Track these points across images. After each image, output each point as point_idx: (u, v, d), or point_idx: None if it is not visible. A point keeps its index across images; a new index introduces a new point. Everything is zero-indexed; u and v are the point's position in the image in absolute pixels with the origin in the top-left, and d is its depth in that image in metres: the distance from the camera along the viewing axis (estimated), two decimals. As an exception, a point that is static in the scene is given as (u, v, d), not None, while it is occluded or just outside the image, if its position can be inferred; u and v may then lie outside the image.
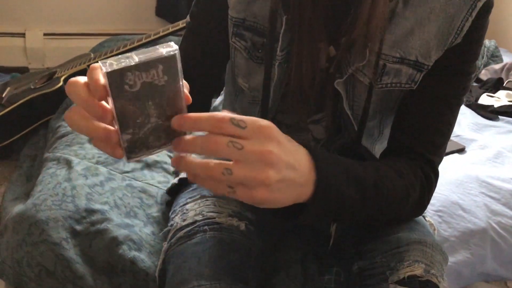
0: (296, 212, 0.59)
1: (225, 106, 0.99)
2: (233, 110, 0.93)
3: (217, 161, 0.49)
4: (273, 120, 0.85)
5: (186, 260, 0.76)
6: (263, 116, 0.81)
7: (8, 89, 1.81)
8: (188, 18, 0.86)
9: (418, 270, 0.71)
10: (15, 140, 1.70)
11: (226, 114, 0.49)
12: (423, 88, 0.76)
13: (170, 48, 0.49)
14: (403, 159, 0.76)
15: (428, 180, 0.76)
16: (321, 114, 0.83)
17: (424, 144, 0.78)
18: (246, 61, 0.81)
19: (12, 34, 2.44)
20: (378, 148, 0.89)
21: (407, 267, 0.72)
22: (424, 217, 0.89)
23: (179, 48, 0.89)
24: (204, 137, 0.50)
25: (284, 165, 0.51)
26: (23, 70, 2.32)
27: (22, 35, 2.45)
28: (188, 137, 0.52)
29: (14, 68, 2.33)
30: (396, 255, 0.73)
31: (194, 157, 0.52)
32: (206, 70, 0.86)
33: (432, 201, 0.82)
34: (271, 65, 0.76)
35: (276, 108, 0.82)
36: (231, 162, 0.49)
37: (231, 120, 0.49)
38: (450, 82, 0.76)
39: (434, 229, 0.91)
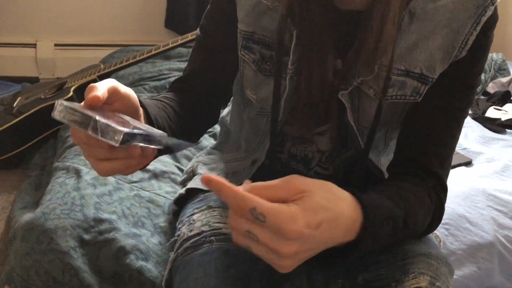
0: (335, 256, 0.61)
1: (233, 117, 1.00)
2: (241, 121, 0.94)
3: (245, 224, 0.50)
4: (280, 132, 0.86)
5: (192, 270, 0.77)
6: (272, 128, 0.81)
7: (19, 99, 1.84)
8: (198, 31, 0.88)
9: (423, 282, 0.71)
10: (25, 150, 1.72)
11: (249, 199, 0.48)
12: (428, 100, 0.77)
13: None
14: (417, 182, 0.76)
15: (441, 201, 0.77)
16: (326, 126, 0.84)
17: (429, 157, 0.78)
18: (254, 73, 0.82)
19: (24, 45, 2.48)
20: (383, 161, 0.90)
21: (413, 279, 0.72)
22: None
23: (189, 59, 0.92)
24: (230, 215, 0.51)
25: (304, 254, 0.51)
26: (34, 80, 2.35)
27: (33, 45, 2.48)
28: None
29: (25, 78, 2.36)
30: (402, 267, 0.74)
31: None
32: (215, 82, 0.87)
33: (438, 213, 0.82)
34: (280, 78, 0.77)
35: (285, 118, 0.83)
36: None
37: (251, 211, 0.48)
38: (455, 95, 0.77)
39: (440, 241, 0.91)
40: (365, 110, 0.80)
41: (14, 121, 1.68)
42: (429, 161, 0.78)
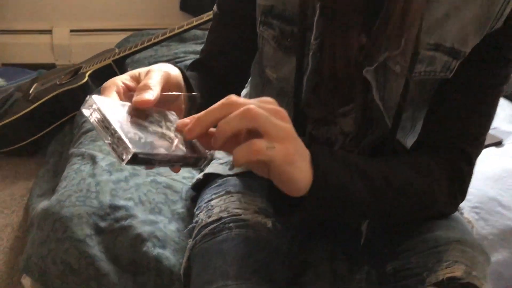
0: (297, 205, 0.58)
1: (253, 96, 0.95)
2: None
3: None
4: (301, 114, 0.81)
5: (211, 258, 0.74)
6: (295, 109, 0.77)
7: (35, 85, 1.82)
8: (215, 8, 0.83)
9: (458, 271, 0.66)
10: (42, 136, 1.71)
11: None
12: (460, 76, 0.72)
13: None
14: (427, 153, 0.73)
15: (459, 173, 0.72)
16: (349, 106, 0.79)
17: (459, 136, 0.74)
18: (274, 50, 0.77)
19: (40, 32, 2.46)
20: (410, 142, 0.85)
21: (446, 268, 0.67)
22: (461, 213, 0.84)
23: (207, 40, 0.87)
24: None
25: (297, 140, 0.53)
26: (50, 67, 2.33)
27: (49, 32, 2.46)
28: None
29: (41, 65, 2.35)
30: (434, 255, 0.69)
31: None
32: (234, 62, 0.83)
33: (468, 197, 0.77)
34: (302, 55, 0.73)
35: (305, 101, 0.78)
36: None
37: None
38: (489, 70, 0.71)
39: (472, 227, 0.86)
40: (392, 88, 0.75)
41: (30, 108, 1.66)
42: (458, 139, 0.73)
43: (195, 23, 1.64)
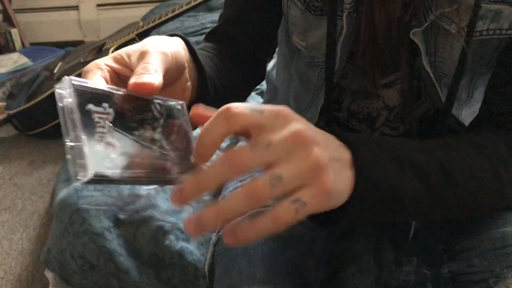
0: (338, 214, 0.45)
1: (279, 71, 0.84)
2: (288, 75, 0.78)
3: (256, 176, 0.37)
4: (336, 85, 0.70)
5: (235, 259, 0.64)
6: (327, 80, 0.66)
7: (59, 64, 1.76)
8: None
9: (534, 279, 0.54)
10: (69, 117, 1.66)
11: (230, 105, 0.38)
12: None
13: None
14: (491, 131, 0.60)
15: None
16: (394, 76, 0.67)
17: None
18: (302, 13, 0.66)
19: (66, 8, 2.40)
20: (466, 114, 0.72)
21: None
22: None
23: (224, 5, 0.76)
24: (220, 158, 0.37)
25: (322, 141, 0.39)
26: (78, 44, 2.28)
27: (76, 8, 2.40)
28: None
29: (70, 42, 2.30)
30: (502, 258, 0.56)
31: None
32: (257, 29, 0.73)
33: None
34: (335, 17, 0.61)
35: (342, 67, 0.67)
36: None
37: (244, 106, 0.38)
38: None
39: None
40: (445, 53, 0.63)
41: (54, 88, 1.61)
42: None
43: (219, -10, 1.52)
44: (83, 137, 0.35)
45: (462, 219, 0.63)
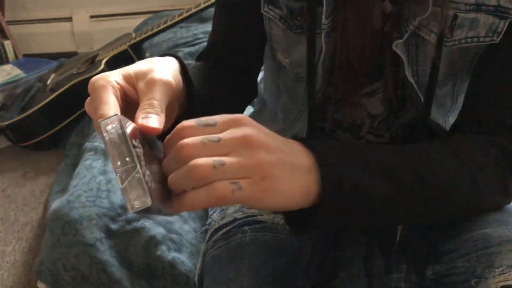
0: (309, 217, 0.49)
1: (267, 84, 0.86)
2: (276, 88, 0.80)
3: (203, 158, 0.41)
4: (322, 94, 0.71)
5: (222, 268, 0.65)
6: (309, 98, 0.67)
7: (52, 75, 1.77)
8: None
9: (515, 280, 0.55)
10: (63, 128, 1.66)
11: (190, 120, 0.44)
12: (509, 40, 0.60)
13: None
14: (469, 135, 0.62)
15: (510, 156, 0.60)
16: (375, 85, 0.68)
17: (509, 111, 0.62)
18: (284, 32, 0.68)
19: (59, 19, 2.41)
20: (452, 121, 0.74)
21: (500, 275, 0.56)
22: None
23: (212, 26, 0.78)
24: (172, 153, 0.43)
25: (272, 146, 0.44)
26: (72, 55, 2.29)
27: (69, 19, 2.41)
28: None
29: (63, 53, 2.31)
30: (484, 259, 0.57)
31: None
32: (244, 49, 0.75)
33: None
34: (314, 35, 0.63)
35: (326, 82, 0.68)
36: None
37: (197, 122, 0.43)
38: None
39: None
40: (426, 62, 0.64)
41: (47, 100, 1.62)
42: (506, 118, 0.62)
43: (211, 1, 1.54)
44: (139, 169, 0.39)
45: (445, 222, 0.64)
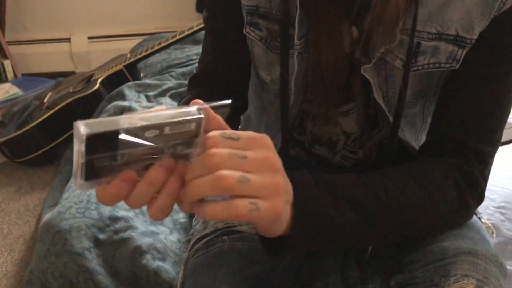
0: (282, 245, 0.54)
1: (252, 100, 0.90)
2: (261, 103, 0.84)
3: (231, 170, 0.43)
4: (298, 110, 0.76)
5: (201, 275, 0.69)
6: (283, 111, 0.71)
7: (49, 94, 1.82)
8: (205, 13, 0.78)
9: (468, 286, 0.59)
10: (58, 145, 1.70)
11: (215, 131, 0.44)
12: (468, 66, 0.64)
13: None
14: (433, 156, 0.66)
15: (471, 176, 0.64)
16: (349, 105, 0.73)
17: (471, 133, 0.66)
18: (264, 52, 0.72)
19: (58, 40, 2.48)
20: (424, 139, 0.78)
21: (454, 283, 0.60)
22: (479, 218, 0.77)
23: (202, 52, 0.83)
24: (200, 159, 0.43)
25: (283, 171, 0.47)
26: (70, 75, 2.34)
27: (68, 40, 2.47)
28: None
29: (61, 73, 2.36)
30: (441, 269, 0.62)
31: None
32: (234, 69, 0.78)
33: (491, 196, 0.70)
34: (287, 56, 0.67)
35: (301, 99, 0.73)
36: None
37: (221, 134, 0.44)
38: (500, 57, 0.64)
39: (493, 232, 0.78)
40: (394, 84, 0.68)
41: (43, 117, 1.66)
42: (470, 136, 0.66)
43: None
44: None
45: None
